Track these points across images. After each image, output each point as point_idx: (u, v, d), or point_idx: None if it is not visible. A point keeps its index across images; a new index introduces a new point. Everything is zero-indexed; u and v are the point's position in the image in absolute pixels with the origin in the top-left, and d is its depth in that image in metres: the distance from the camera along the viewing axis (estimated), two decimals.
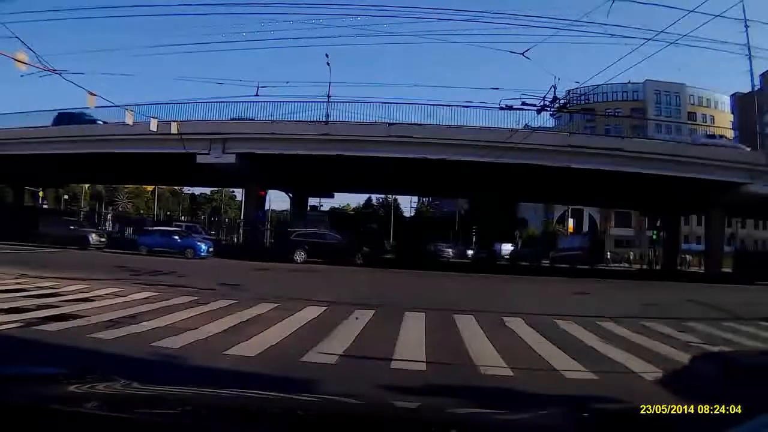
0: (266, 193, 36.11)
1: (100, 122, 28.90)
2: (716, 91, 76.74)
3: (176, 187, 75.55)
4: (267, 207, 45.06)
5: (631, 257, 51.60)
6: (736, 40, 52.23)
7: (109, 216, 65.75)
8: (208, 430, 1.45)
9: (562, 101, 20.51)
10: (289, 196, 43.48)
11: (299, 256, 25.63)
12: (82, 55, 78.22)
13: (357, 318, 9.21)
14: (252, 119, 27.84)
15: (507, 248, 48.37)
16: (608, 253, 49.75)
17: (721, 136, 36.23)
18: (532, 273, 29.11)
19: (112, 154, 29.31)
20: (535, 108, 19.47)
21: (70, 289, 11.44)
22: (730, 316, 12.00)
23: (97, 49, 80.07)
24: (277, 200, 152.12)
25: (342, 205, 72.69)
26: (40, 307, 8.74)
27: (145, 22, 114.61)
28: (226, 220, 72.24)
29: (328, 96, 27.38)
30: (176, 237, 26.75)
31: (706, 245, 32.98)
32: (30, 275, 13.08)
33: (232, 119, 27.94)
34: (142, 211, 73.26)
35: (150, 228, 32.03)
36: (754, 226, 64.81)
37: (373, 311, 9.99)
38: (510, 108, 20.40)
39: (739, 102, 67.57)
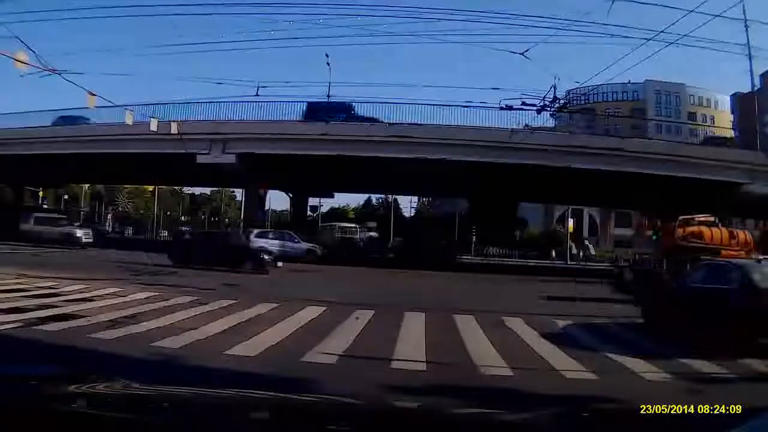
0: (266, 192, 36.06)
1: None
2: (716, 91, 76.65)
3: (176, 187, 75.39)
4: (267, 207, 45.08)
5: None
6: (736, 40, 52.28)
7: (109, 216, 65.90)
8: (208, 430, 1.45)
9: (562, 101, 20.50)
10: (289, 196, 43.50)
11: None
12: (82, 55, 78.19)
13: (357, 318, 9.20)
14: (252, 119, 27.85)
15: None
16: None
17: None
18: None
19: (113, 155, 29.31)
20: (535, 108, 19.45)
21: (70, 289, 11.42)
22: None
23: (97, 49, 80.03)
24: (278, 200, 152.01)
25: (342, 205, 72.64)
26: (40, 307, 8.73)
27: (145, 22, 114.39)
28: (227, 220, 72.17)
29: (328, 96, 27.43)
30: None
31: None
32: (30, 275, 13.07)
33: (232, 119, 27.93)
34: (142, 211, 73.18)
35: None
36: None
37: (372, 311, 9.99)
38: (510, 108, 20.36)
39: (739, 102, 67.33)
